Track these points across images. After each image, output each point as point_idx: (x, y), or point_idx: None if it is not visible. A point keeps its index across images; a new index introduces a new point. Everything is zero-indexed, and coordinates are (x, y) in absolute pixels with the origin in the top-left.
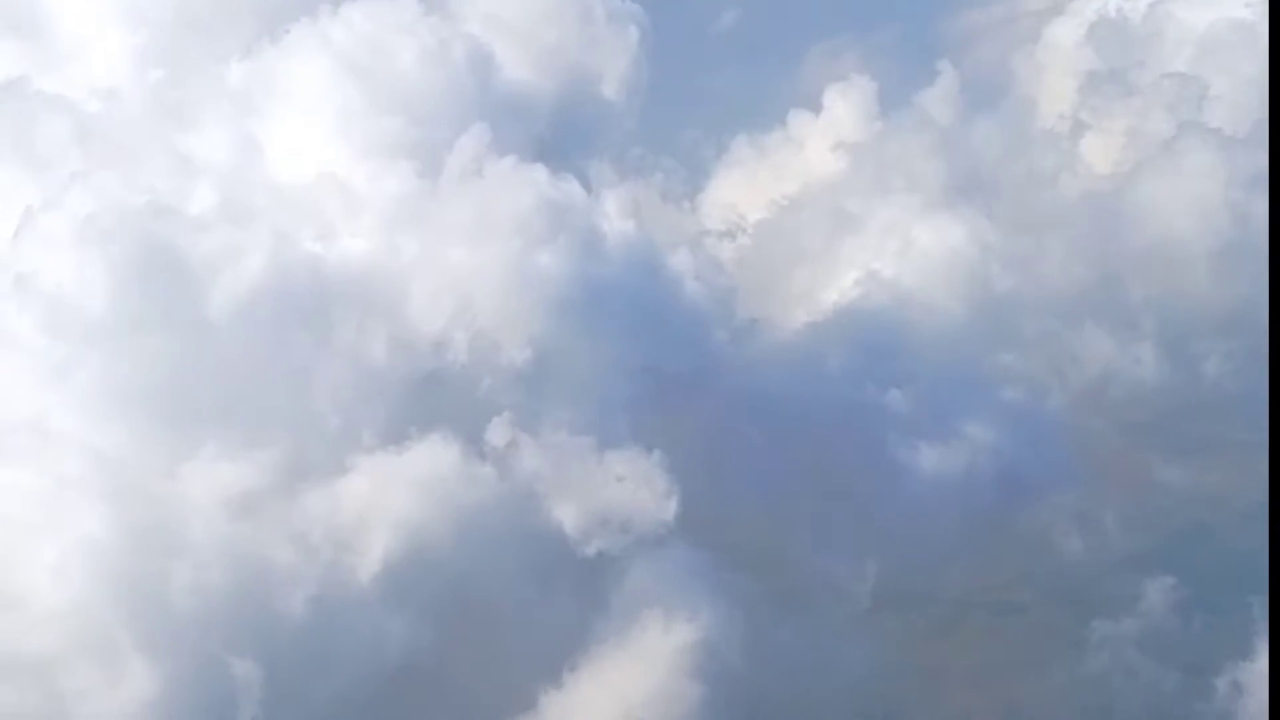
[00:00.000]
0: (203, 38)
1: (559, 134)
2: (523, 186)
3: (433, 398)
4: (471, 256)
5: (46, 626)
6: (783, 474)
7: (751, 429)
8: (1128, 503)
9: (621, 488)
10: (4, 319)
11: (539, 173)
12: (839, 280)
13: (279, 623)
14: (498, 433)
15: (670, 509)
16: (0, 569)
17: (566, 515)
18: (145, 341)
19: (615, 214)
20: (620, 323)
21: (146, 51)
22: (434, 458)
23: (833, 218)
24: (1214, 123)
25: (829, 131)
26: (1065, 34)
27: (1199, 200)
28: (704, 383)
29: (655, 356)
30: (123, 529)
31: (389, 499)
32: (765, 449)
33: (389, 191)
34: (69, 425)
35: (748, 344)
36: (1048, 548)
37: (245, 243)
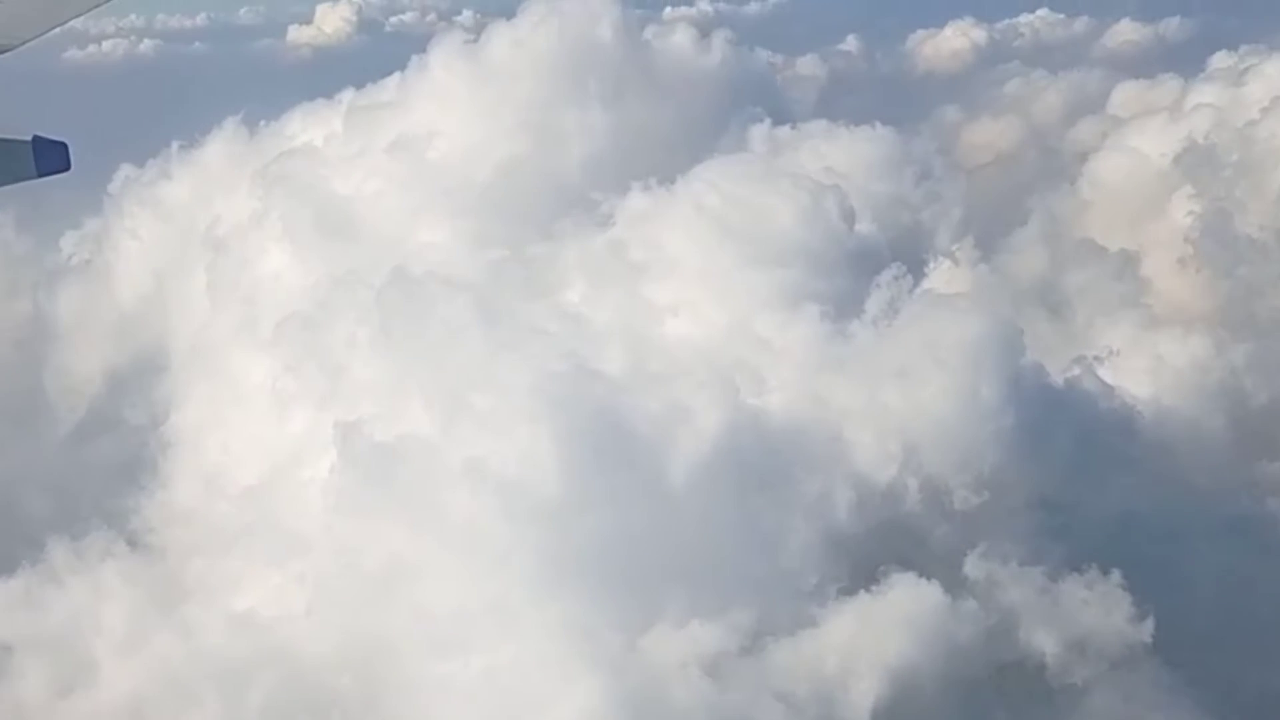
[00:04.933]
0: (530, 214)
1: None
2: (947, 322)
3: (891, 543)
4: (907, 398)
5: None
6: (1212, 588)
7: (1167, 549)
8: None
9: (1090, 612)
10: (457, 507)
11: (961, 305)
12: None
13: None
14: (975, 567)
15: (1147, 630)
16: None
17: (1047, 644)
18: (597, 509)
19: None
20: (1046, 451)
21: (479, 232)
22: (911, 599)
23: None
24: None
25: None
26: (1115, 168)
27: None
28: (1114, 503)
29: (1075, 482)
30: (613, 701)
31: (868, 647)
32: (1188, 566)
33: (803, 340)
34: (532, 604)
35: (1149, 465)
36: None
37: (677, 403)
